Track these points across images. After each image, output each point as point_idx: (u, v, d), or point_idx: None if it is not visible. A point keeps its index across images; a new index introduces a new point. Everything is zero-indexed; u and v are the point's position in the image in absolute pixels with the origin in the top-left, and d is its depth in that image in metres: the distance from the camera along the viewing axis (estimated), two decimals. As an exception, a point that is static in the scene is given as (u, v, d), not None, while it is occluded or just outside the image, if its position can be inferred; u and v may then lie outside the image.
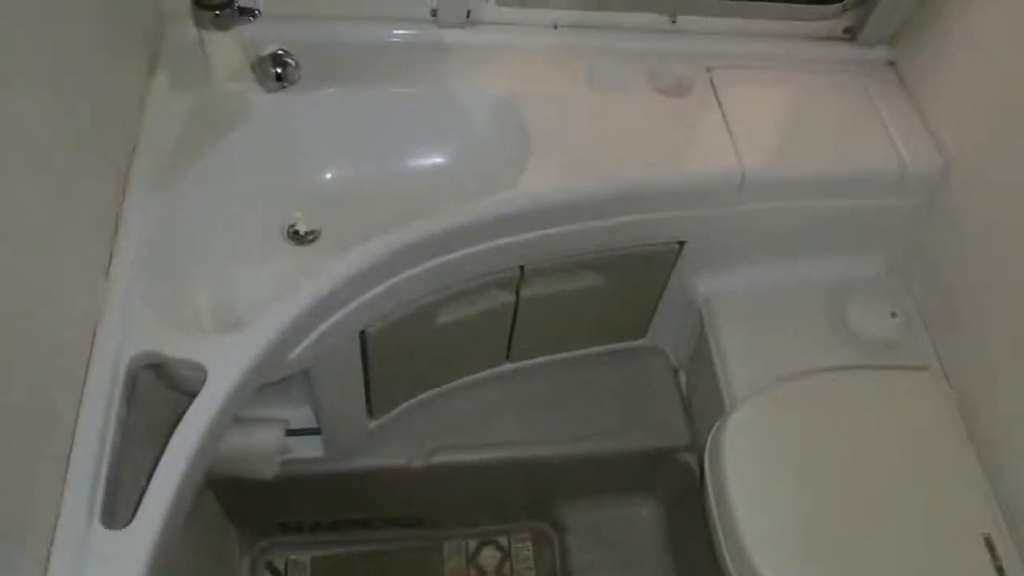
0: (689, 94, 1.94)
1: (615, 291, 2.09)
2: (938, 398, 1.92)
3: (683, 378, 2.40)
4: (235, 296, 1.66)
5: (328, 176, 1.86)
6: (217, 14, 1.63)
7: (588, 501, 2.48)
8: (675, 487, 2.34)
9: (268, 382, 1.54)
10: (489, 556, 2.49)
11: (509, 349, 2.23)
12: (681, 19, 2.00)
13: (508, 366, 2.29)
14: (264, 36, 1.77)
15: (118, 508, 1.29)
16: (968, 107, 1.87)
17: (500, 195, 1.71)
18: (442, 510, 2.44)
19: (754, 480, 1.78)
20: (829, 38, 2.07)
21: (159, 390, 1.46)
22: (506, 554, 2.50)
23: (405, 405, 2.21)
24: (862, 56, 2.08)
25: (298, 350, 1.57)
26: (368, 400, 2.06)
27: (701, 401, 2.25)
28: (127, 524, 1.24)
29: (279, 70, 1.76)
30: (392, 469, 2.20)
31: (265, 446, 1.96)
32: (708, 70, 1.99)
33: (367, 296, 1.66)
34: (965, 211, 1.89)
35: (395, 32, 1.91)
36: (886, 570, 1.70)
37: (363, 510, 2.40)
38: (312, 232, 1.79)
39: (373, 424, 2.15)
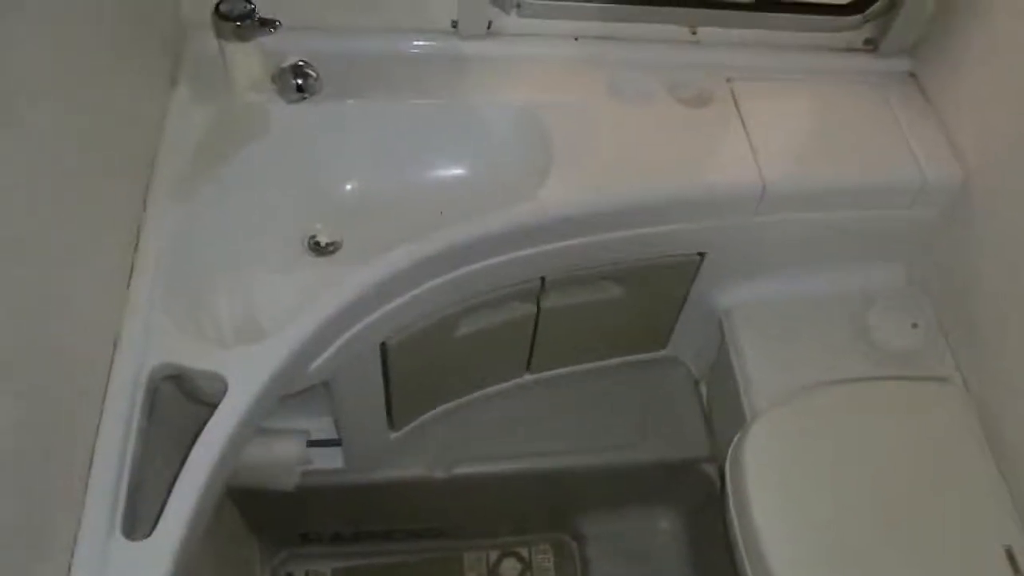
0: (710, 105, 1.94)
1: (636, 302, 2.09)
2: (959, 409, 1.91)
3: (704, 389, 2.39)
4: (256, 307, 1.66)
5: (349, 187, 1.86)
6: (238, 25, 1.63)
7: (609, 512, 2.48)
8: (696, 498, 2.34)
9: (289, 393, 1.55)
10: (510, 567, 2.49)
11: (530, 360, 2.23)
12: (701, 31, 2.00)
13: (529, 377, 2.29)
14: (285, 47, 1.78)
15: (139, 519, 1.29)
16: (989, 118, 1.86)
17: (521, 206, 1.72)
18: (462, 521, 2.44)
19: (775, 491, 1.77)
20: (849, 49, 2.07)
21: (180, 401, 1.46)
22: (527, 565, 2.49)
23: (426, 416, 2.21)
24: (883, 67, 2.07)
25: (319, 361, 1.58)
26: (389, 411, 2.06)
27: (721, 412, 2.24)
28: (148, 535, 1.24)
29: (300, 81, 1.77)
30: (413, 480, 2.20)
31: (286, 457, 1.96)
32: (728, 81, 1.99)
33: (388, 307, 1.66)
34: (985, 222, 1.88)
35: (416, 43, 1.91)
36: (908, 583, 1.70)
37: (383, 521, 2.40)
38: (333, 243, 1.80)
39: (394, 435, 2.15)
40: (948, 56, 1.97)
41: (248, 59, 1.72)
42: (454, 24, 1.90)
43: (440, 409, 2.22)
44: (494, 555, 2.50)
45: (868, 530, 1.74)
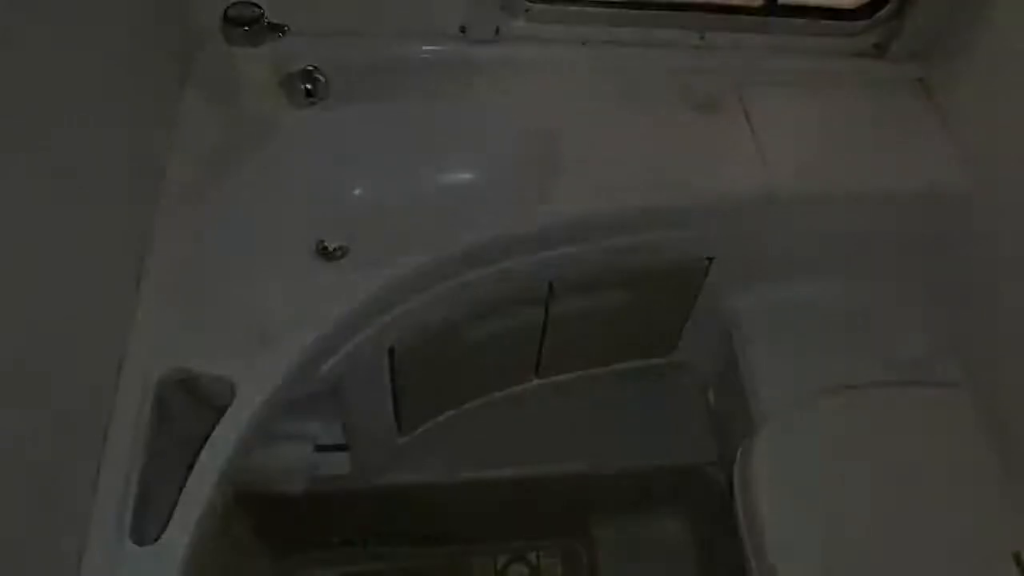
0: (718, 110, 1.94)
1: (644, 307, 2.08)
2: (967, 415, 1.91)
3: (712, 394, 2.39)
4: (264, 312, 1.65)
5: (357, 192, 1.86)
6: (247, 30, 1.63)
7: (617, 517, 2.47)
8: (704, 503, 2.33)
9: (296, 398, 1.55)
10: (518, 572, 2.48)
11: (538, 365, 2.22)
12: (710, 35, 1.99)
13: (537, 382, 2.29)
14: (294, 52, 1.77)
15: (147, 523, 1.29)
16: (998, 124, 1.86)
17: (529, 211, 1.72)
18: (471, 526, 2.44)
19: (782, 496, 1.77)
20: (858, 54, 2.06)
21: (188, 405, 1.46)
22: (535, 570, 2.49)
23: (434, 421, 2.20)
24: (891, 73, 2.07)
25: (327, 366, 1.58)
26: (397, 416, 2.05)
27: (730, 417, 2.24)
28: (156, 539, 1.24)
29: (309, 86, 1.77)
30: (421, 485, 2.20)
31: (293, 462, 1.96)
32: (737, 86, 1.99)
33: (396, 312, 1.66)
34: (993, 228, 1.88)
35: (424, 48, 1.91)
36: (917, 588, 1.70)
37: (391, 526, 2.40)
38: (341, 248, 1.79)
39: (402, 440, 2.15)
40: (957, 61, 1.97)
41: (257, 64, 1.72)
42: (462, 29, 1.90)
43: (448, 414, 2.22)
44: (502, 560, 2.50)
45: (875, 534, 1.73)
